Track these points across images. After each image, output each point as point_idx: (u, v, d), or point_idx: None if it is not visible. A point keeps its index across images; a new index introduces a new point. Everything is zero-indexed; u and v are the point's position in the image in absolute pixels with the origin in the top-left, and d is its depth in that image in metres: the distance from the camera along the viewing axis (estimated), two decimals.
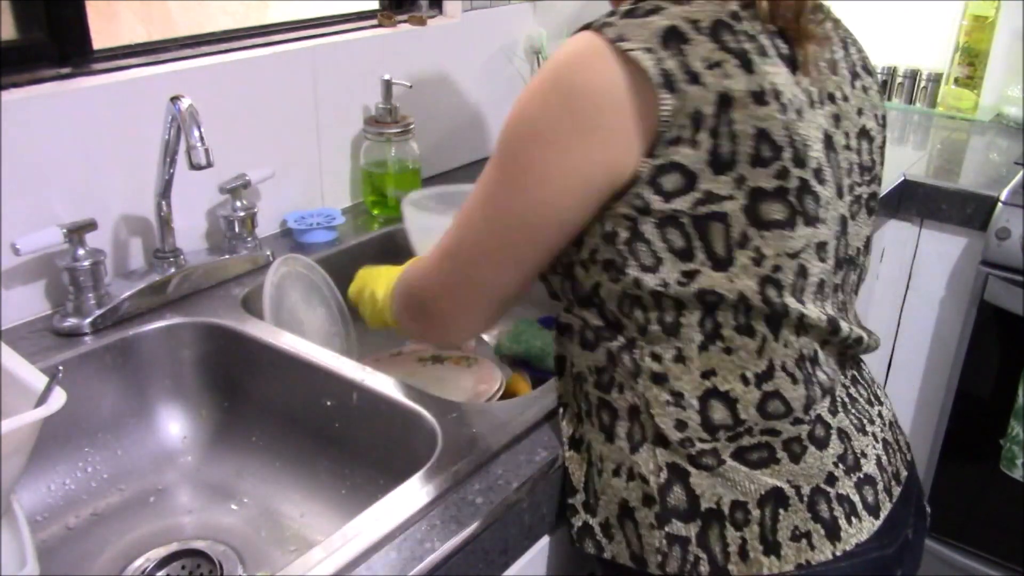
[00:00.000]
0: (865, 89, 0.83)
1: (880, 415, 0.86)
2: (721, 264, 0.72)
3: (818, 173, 0.73)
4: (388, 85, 1.36)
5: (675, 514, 0.77)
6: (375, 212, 1.42)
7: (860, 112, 0.81)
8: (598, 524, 0.81)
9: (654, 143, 0.69)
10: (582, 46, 0.70)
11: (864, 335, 0.83)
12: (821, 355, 0.79)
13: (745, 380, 0.75)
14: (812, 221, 0.73)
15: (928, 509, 0.90)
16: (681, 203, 0.70)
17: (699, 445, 0.76)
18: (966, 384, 1.62)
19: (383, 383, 0.96)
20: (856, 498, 0.79)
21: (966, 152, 1.78)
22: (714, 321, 0.74)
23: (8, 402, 0.74)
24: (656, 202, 0.70)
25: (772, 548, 0.75)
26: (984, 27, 1.90)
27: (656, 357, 0.76)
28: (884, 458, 0.84)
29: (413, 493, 0.78)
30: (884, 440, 0.85)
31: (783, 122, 0.70)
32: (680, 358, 0.75)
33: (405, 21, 1.52)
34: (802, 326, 0.76)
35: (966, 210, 1.56)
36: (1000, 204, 1.52)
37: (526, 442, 0.86)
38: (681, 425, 0.76)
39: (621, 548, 0.80)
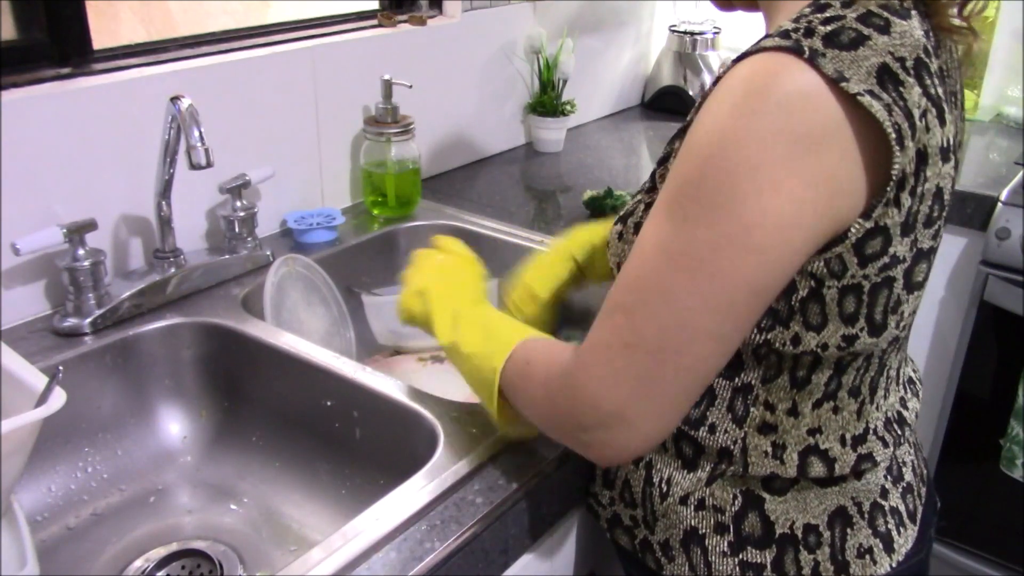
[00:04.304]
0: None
1: (913, 417, 0.84)
2: (876, 330, 0.69)
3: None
4: (388, 85, 1.36)
5: (750, 541, 0.76)
6: (375, 212, 1.42)
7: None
8: (658, 543, 0.80)
9: (874, 203, 0.62)
10: (801, 80, 0.59)
11: (912, 373, 0.86)
12: (906, 413, 0.80)
13: (843, 441, 0.74)
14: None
15: (939, 503, 0.90)
16: (871, 269, 0.65)
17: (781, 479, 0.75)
18: (966, 384, 1.62)
19: (383, 383, 0.95)
20: (902, 508, 0.79)
21: (966, 152, 1.78)
22: (839, 381, 0.72)
23: (8, 402, 0.74)
24: (852, 267, 0.65)
25: (842, 567, 0.75)
26: (984, 27, 1.90)
27: (770, 407, 0.73)
28: (915, 462, 0.84)
29: (413, 493, 0.78)
30: (915, 444, 0.85)
31: (951, 178, 0.68)
32: (794, 412, 0.73)
33: (405, 21, 1.52)
34: (896, 379, 0.77)
35: (966, 210, 1.56)
36: (1000, 204, 1.51)
37: (526, 442, 0.86)
38: (773, 476, 0.74)
39: (683, 571, 0.78)
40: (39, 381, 0.73)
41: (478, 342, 0.80)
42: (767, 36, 0.64)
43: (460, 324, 0.83)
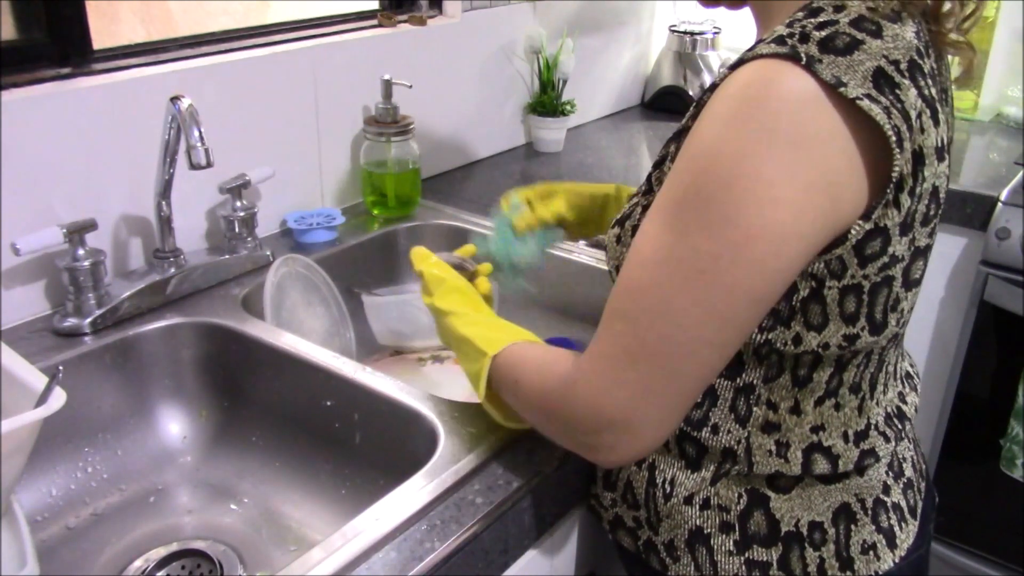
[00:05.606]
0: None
1: (912, 412, 0.84)
2: (877, 329, 0.70)
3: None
4: (388, 85, 1.36)
5: (756, 540, 0.76)
6: (375, 212, 1.42)
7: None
8: (662, 544, 0.80)
9: (874, 205, 0.63)
10: (799, 86, 0.59)
11: (910, 369, 0.86)
12: (905, 407, 0.81)
13: (846, 438, 0.75)
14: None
15: (937, 498, 0.90)
16: (871, 268, 0.66)
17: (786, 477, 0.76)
18: (966, 384, 1.62)
19: (383, 383, 0.95)
20: (903, 503, 0.80)
21: (966, 152, 1.78)
22: (840, 378, 0.73)
23: (8, 402, 0.74)
24: (852, 267, 0.65)
25: (847, 564, 0.76)
26: (984, 27, 1.90)
27: (773, 406, 0.73)
28: (915, 458, 0.84)
29: (413, 493, 0.78)
30: (913, 440, 0.85)
31: (946, 177, 0.69)
32: (796, 410, 0.73)
33: (405, 21, 1.52)
34: (895, 374, 0.77)
35: (966, 210, 1.56)
36: (1000, 204, 1.51)
37: (526, 442, 0.86)
38: (778, 474, 0.75)
39: (689, 571, 0.78)
40: (39, 381, 0.73)
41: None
42: (761, 42, 0.64)
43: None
